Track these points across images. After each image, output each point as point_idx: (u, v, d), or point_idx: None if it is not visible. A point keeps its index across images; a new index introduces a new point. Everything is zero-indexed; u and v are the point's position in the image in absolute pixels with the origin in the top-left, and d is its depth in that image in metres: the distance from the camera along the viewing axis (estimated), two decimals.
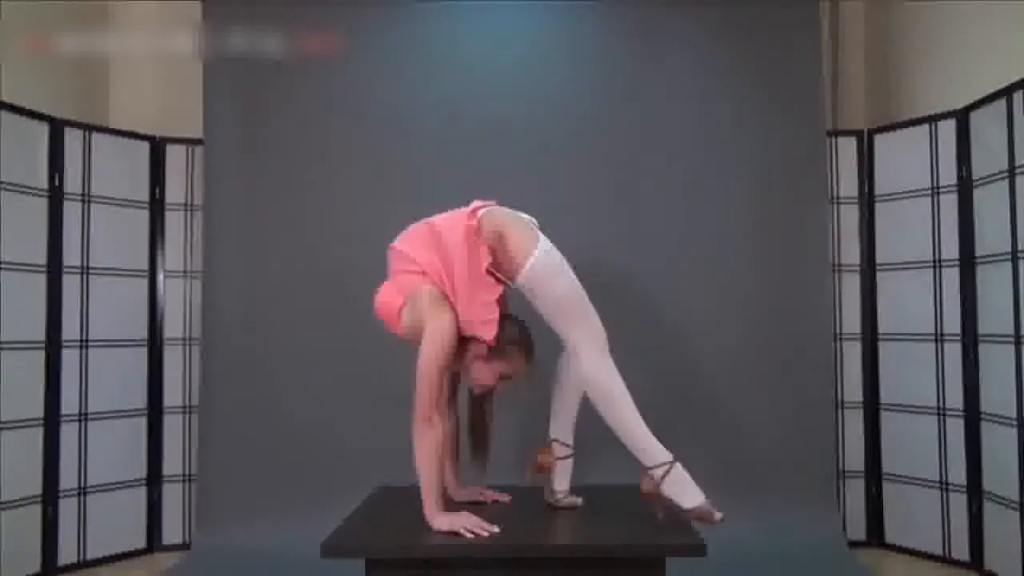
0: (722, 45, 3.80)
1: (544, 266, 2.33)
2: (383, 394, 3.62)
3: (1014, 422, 3.09)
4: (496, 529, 2.22)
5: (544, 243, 2.36)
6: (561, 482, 2.51)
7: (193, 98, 3.78)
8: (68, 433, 3.48)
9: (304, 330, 3.68)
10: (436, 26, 3.82)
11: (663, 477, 2.30)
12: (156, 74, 4.11)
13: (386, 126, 3.74)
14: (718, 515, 2.29)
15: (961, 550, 3.42)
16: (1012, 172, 3.11)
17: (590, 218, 3.68)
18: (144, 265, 3.77)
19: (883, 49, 4.11)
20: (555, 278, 2.33)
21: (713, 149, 3.75)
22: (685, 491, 2.30)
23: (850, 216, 3.81)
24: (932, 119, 3.55)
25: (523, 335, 2.40)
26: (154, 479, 3.75)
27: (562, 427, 2.52)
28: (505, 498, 2.62)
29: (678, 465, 2.31)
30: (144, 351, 3.75)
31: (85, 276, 3.55)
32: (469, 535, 2.18)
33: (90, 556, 3.53)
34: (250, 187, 3.74)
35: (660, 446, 2.33)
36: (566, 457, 2.52)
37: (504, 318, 2.37)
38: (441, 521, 2.24)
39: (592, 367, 2.31)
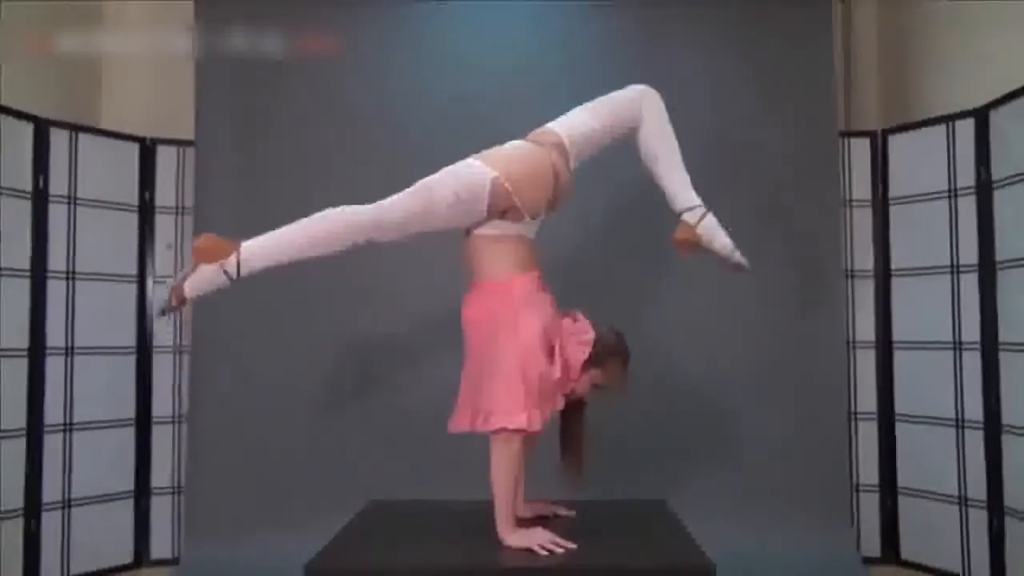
0: (731, 44, 3.69)
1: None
2: (379, 405, 3.54)
3: None
4: (572, 545, 2.17)
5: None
6: (722, 242, 2.45)
7: (187, 99, 3.67)
8: (52, 444, 3.36)
9: (297, 338, 3.57)
10: (436, 26, 3.73)
11: None
12: (149, 75, 4.00)
13: (383, 128, 3.64)
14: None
15: (981, 568, 3.28)
16: None
17: (592, 221, 3.57)
18: (133, 270, 3.66)
19: (898, 46, 3.99)
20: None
21: (722, 151, 3.63)
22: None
23: (864, 220, 3.70)
24: (949, 118, 3.43)
25: (621, 344, 2.36)
26: (142, 491, 3.63)
27: (677, 195, 2.46)
28: (571, 513, 2.57)
29: None
30: (132, 359, 3.64)
31: (71, 281, 3.44)
32: (544, 552, 2.14)
33: (74, 572, 3.41)
34: (242, 189, 3.63)
35: None
36: (701, 220, 2.45)
37: (601, 326, 2.34)
38: (516, 538, 2.19)
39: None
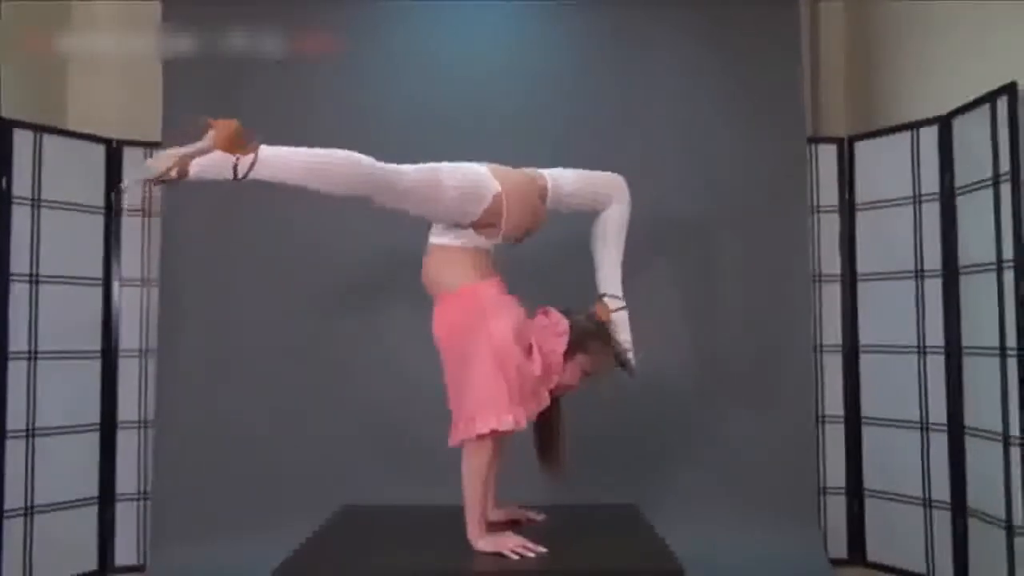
0: (700, 50, 3.72)
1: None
2: (349, 409, 3.52)
3: (999, 437, 3.01)
4: (542, 549, 2.18)
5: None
6: (624, 339, 2.52)
7: (154, 101, 3.62)
8: (15, 449, 3.30)
9: (266, 342, 3.54)
10: (409, 26, 3.72)
11: None
12: (116, 76, 3.95)
13: (355, 129, 3.58)
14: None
15: (945, 569, 3.33)
16: (996, 180, 3.04)
17: (567, 225, 3.55)
18: (98, 273, 3.60)
19: (864, 54, 4.04)
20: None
21: (692, 156, 3.67)
22: None
23: (831, 225, 3.73)
24: (914, 125, 3.48)
25: (599, 326, 2.40)
26: (107, 498, 3.57)
27: (611, 283, 2.55)
28: (540, 517, 2.56)
29: None
30: (98, 363, 3.59)
31: (34, 284, 3.38)
32: (514, 556, 2.15)
33: None
34: (210, 191, 3.51)
35: None
36: (618, 310, 2.51)
37: (574, 314, 2.37)
38: (486, 543, 2.20)
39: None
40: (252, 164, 2.09)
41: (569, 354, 2.33)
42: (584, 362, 2.37)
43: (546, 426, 2.43)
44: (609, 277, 2.57)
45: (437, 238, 2.44)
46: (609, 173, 2.61)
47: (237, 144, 2.07)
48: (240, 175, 2.10)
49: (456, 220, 2.36)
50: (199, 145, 2.06)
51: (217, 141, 2.06)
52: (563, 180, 2.52)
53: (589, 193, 2.56)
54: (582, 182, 2.56)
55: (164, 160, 2.03)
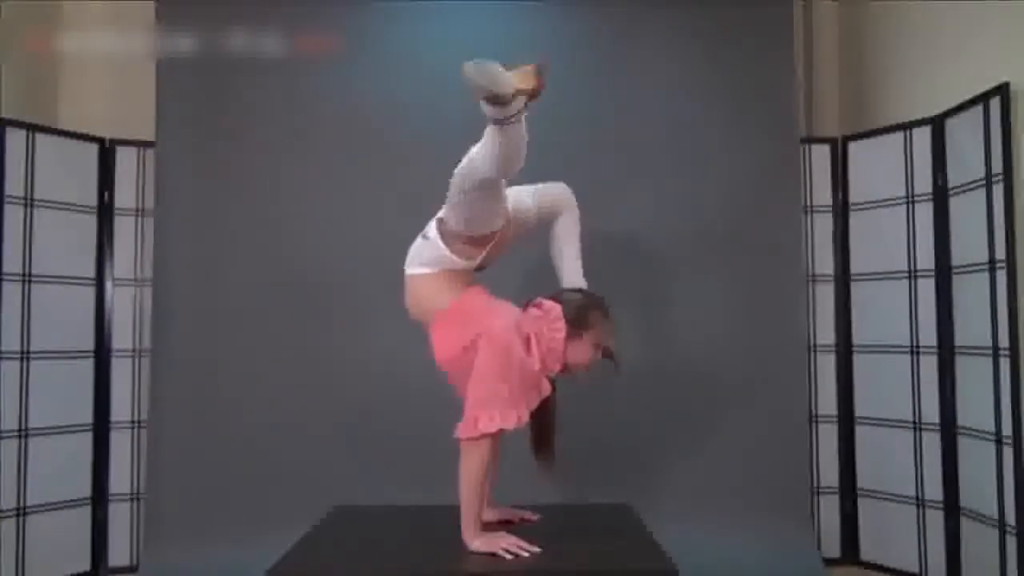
0: (694, 50, 3.72)
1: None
2: (342, 410, 3.52)
3: (992, 436, 3.02)
4: (536, 549, 2.18)
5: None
6: None
7: (147, 100, 3.62)
8: (7, 449, 3.29)
9: (259, 342, 3.54)
10: (402, 27, 3.72)
11: None
12: (109, 74, 3.94)
13: (347, 129, 3.62)
14: None
15: (938, 568, 3.34)
16: (988, 180, 3.05)
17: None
18: (91, 272, 3.60)
19: (857, 54, 4.05)
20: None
21: (685, 157, 3.67)
22: None
23: (824, 225, 3.74)
24: (907, 126, 3.49)
25: (591, 299, 2.40)
26: (100, 498, 3.56)
27: (573, 279, 2.57)
28: (534, 517, 2.56)
29: None
30: (90, 363, 3.57)
31: (27, 284, 3.37)
32: (508, 556, 2.15)
33: None
34: (203, 191, 3.60)
35: None
36: None
37: (563, 296, 2.38)
38: (480, 543, 2.20)
39: None
40: (516, 116, 2.12)
41: (573, 335, 2.31)
42: (592, 337, 2.34)
43: (542, 417, 2.41)
44: (573, 276, 2.57)
45: (413, 268, 2.43)
46: (558, 186, 2.62)
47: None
48: (507, 120, 2.12)
49: (473, 230, 2.35)
50: (522, 80, 2.11)
51: (532, 86, 2.12)
52: (520, 202, 2.52)
53: (546, 209, 2.58)
54: (538, 199, 2.56)
55: (516, 78, 2.11)
